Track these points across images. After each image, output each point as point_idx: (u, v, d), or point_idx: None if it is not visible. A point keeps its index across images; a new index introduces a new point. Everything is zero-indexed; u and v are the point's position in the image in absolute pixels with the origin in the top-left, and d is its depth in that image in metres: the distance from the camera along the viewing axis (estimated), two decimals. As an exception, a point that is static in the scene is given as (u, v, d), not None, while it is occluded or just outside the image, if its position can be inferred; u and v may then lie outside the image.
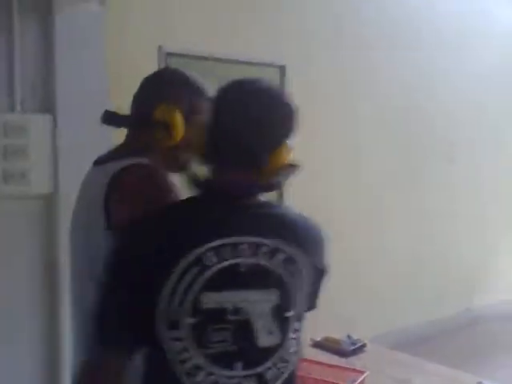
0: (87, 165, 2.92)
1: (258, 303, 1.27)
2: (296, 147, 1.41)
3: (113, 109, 1.71)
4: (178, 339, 1.24)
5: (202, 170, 1.43)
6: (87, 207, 1.63)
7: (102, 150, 2.97)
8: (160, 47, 3.58)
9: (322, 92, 4.40)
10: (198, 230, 1.28)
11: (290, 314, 1.32)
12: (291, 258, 1.32)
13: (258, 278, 1.28)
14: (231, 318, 1.25)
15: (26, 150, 2.87)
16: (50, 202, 2.99)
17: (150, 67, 3.40)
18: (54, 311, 3.01)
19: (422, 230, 5.32)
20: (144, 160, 1.58)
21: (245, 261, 1.27)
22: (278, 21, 4.16)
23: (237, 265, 1.26)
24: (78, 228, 1.68)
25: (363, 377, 2.18)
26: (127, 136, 1.74)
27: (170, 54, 3.59)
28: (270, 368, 1.30)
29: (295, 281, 1.32)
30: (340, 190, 4.63)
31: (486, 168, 5.81)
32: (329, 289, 1.52)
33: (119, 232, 1.39)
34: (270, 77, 4.07)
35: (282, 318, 1.31)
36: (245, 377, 1.27)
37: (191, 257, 1.24)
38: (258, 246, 1.28)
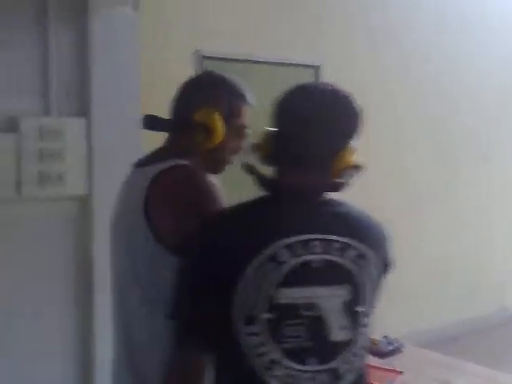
0: (121, 167, 2.96)
1: (330, 299, 1.30)
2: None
3: (146, 112, 1.73)
4: (255, 334, 1.26)
5: (264, 170, 1.45)
6: (128, 209, 1.64)
7: (135, 152, 3.02)
8: (196, 51, 3.61)
9: (358, 91, 4.36)
10: (270, 228, 1.31)
11: (360, 309, 1.34)
12: (362, 254, 1.35)
13: (330, 274, 1.31)
14: (305, 313, 1.28)
15: (62, 153, 2.91)
16: (85, 204, 3.02)
17: (186, 71, 3.48)
18: (88, 312, 3.05)
19: (455, 227, 5.27)
20: (184, 162, 1.60)
21: (317, 257, 1.30)
22: (313, 21, 4.17)
23: (309, 261, 1.29)
24: (120, 229, 1.70)
25: (400, 377, 2.16)
26: (167, 139, 1.75)
27: (205, 58, 3.62)
28: (342, 363, 1.32)
29: (365, 277, 1.35)
30: (377, 188, 4.59)
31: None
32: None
33: (197, 231, 1.40)
34: (304, 77, 4.09)
35: (353, 314, 1.33)
36: (318, 371, 1.29)
37: (265, 254, 1.27)
38: (329, 242, 1.31)
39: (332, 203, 1.40)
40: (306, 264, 1.28)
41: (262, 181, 1.41)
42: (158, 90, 3.33)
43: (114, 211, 1.78)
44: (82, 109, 2.99)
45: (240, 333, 1.27)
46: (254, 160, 1.46)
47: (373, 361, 2.41)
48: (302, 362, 1.28)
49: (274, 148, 1.43)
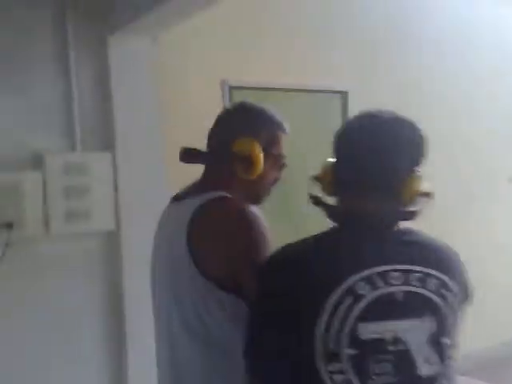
0: (147, 200, 2.98)
1: (415, 332, 1.25)
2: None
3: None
4: (339, 372, 1.22)
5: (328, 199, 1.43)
6: (169, 243, 1.63)
7: (161, 185, 3.02)
8: (223, 81, 3.59)
9: None
10: (346, 261, 1.28)
11: (446, 341, 1.30)
12: (444, 283, 1.31)
13: (413, 306, 1.27)
14: (390, 348, 1.23)
15: (88, 189, 2.89)
16: (112, 239, 3.00)
17: (214, 101, 3.49)
18: (119, 347, 3.02)
19: (489, 250, 5.11)
20: (225, 194, 1.59)
21: (398, 289, 1.26)
22: (339, 47, 4.15)
23: (391, 293, 1.25)
24: (160, 264, 1.69)
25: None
26: (205, 171, 1.74)
27: (233, 87, 3.61)
28: None
29: (449, 307, 1.31)
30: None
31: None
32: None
33: (263, 269, 1.39)
34: (332, 104, 4.10)
35: (439, 346, 1.29)
36: None
37: (343, 287, 1.23)
38: (409, 272, 1.28)
39: (406, 232, 1.37)
40: (386, 296, 1.24)
41: (331, 212, 1.39)
42: (186, 120, 3.34)
43: (153, 245, 1.77)
44: (107, 143, 2.98)
45: (323, 371, 1.23)
46: (316, 191, 1.45)
47: None
48: None
49: (339, 178, 1.41)
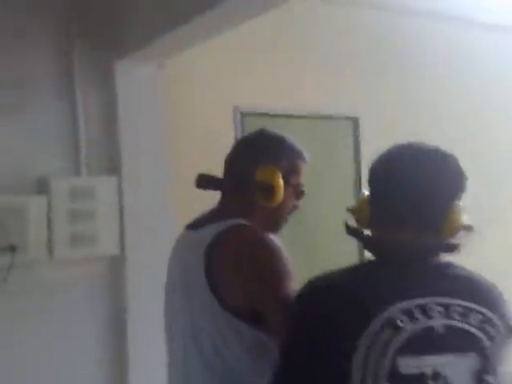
0: (153, 225, 2.96)
1: (457, 368, 1.19)
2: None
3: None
4: None
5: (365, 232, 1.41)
6: (185, 272, 1.61)
7: (167, 209, 3.00)
8: (235, 107, 3.59)
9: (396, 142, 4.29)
10: (385, 292, 1.24)
11: (490, 379, 1.22)
12: (487, 318, 1.26)
13: (455, 341, 1.22)
14: (431, 383, 1.18)
15: (93, 213, 2.88)
16: (118, 264, 2.97)
17: (226, 127, 3.49)
18: (123, 371, 2.96)
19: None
20: (244, 222, 1.57)
21: (439, 322, 1.21)
22: (350, 73, 4.15)
23: (431, 327, 1.20)
24: (175, 291, 1.66)
25: None
26: (223, 198, 1.72)
27: (244, 114, 3.61)
28: None
29: (493, 343, 1.24)
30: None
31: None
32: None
33: (299, 299, 1.35)
34: (344, 130, 4.10)
35: None
36: None
37: (382, 318, 1.19)
38: (450, 306, 1.23)
39: (446, 265, 1.34)
40: (428, 330, 1.20)
41: (370, 243, 1.37)
42: (198, 146, 3.34)
43: (168, 274, 1.74)
44: (112, 167, 2.98)
45: None
46: (353, 223, 1.43)
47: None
48: None
49: (377, 211, 1.38)
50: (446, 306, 1.22)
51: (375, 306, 1.21)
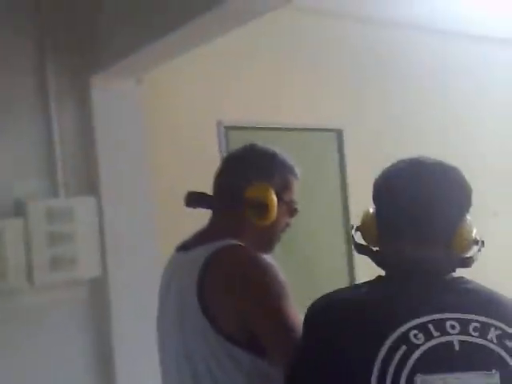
0: (135, 245, 2.88)
1: None
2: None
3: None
4: None
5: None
6: (177, 294, 1.55)
7: (149, 229, 2.93)
8: (218, 122, 3.53)
9: (380, 154, 4.27)
10: (398, 309, 1.20)
11: None
12: (506, 333, 1.19)
13: (473, 358, 1.16)
14: None
15: (72, 235, 2.79)
16: (99, 286, 2.89)
17: (210, 142, 3.43)
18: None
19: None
20: (236, 242, 1.51)
21: (455, 338, 1.16)
22: (333, 85, 4.13)
23: (449, 343, 1.15)
24: (168, 314, 1.60)
25: None
26: (213, 217, 1.65)
27: (228, 128, 3.55)
28: None
29: None
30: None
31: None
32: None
33: (310, 318, 1.29)
34: (327, 141, 4.07)
35: None
36: None
37: (396, 335, 1.14)
38: (466, 322, 1.18)
39: (460, 280, 1.30)
40: (445, 346, 1.15)
41: (380, 260, 1.34)
42: (181, 162, 3.28)
43: (160, 297, 1.68)
44: (91, 187, 2.90)
45: None
46: (359, 240, 1.39)
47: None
48: None
49: (385, 227, 1.35)
50: (463, 322, 1.18)
51: (389, 324, 1.17)
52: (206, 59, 3.35)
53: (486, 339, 1.17)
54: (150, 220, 2.95)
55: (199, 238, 1.60)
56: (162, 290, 1.68)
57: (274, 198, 1.55)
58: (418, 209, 1.30)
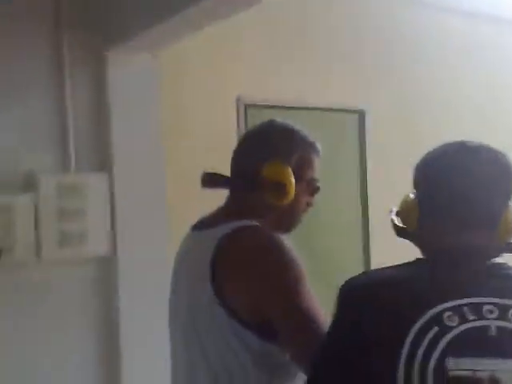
0: (146, 224, 2.84)
1: None
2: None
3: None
4: None
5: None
6: (191, 276, 1.52)
7: (160, 208, 2.88)
8: (238, 98, 3.45)
9: (406, 134, 4.22)
10: (434, 290, 1.17)
11: None
12: None
13: (510, 344, 1.13)
14: None
15: (83, 211, 2.75)
16: (108, 264, 2.85)
17: (228, 120, 3.36)
18: (114, 377, 2.85)
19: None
20: (253, 223, 1.46)
21: (492, 323, 1.12)
22: (356, 66, 4.05)
23: (484, 327, 1.12)
24: (180, 293, 1.58)
25: None
26: (230, 197, 1.60)
27: (248, 106, 3.47)
28: None
29: None
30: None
31: None
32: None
33: (343, 296, 1.25)
34: (349, 122, 4.01)
35: None
36: None
37: (428, 316, 1.12)
38: (507, 308, 1.15)
39: (502, 266, 1.27)
40: (481, 330, 1.11)
41: (422, 244, 1.32)
42: (198, 141, 3.22)
43: (172, 279, 1.65)
44: (103, 163, 2.84)
45: None
46: (397, 223, 1.37)
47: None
48: None
49: (429, 212, 1.31)
50: (502, 307, 1.14)
51: (421, 305, 1.13)
52: (225, 35, 3.26)
53: None
54: (162, 199, 2.90)
55: (216, 218, 1.56)
56: (176, 267, 1.65)
57: (292, 177, 1.50)
58: (464, 193, 1.26)
